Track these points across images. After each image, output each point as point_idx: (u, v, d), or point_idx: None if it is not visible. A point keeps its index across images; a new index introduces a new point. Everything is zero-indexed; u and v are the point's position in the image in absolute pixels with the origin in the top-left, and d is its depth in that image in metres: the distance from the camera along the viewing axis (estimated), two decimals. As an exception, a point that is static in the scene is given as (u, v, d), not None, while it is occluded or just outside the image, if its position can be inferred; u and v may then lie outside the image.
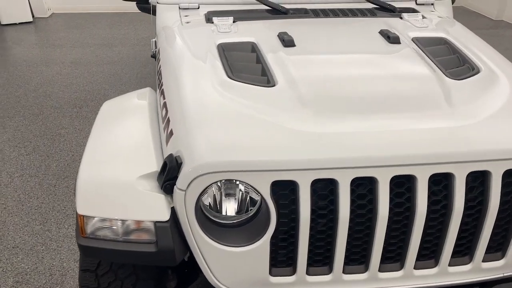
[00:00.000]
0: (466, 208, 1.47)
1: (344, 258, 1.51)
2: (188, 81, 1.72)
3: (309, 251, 1.49)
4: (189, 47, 2.00)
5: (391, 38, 1.97)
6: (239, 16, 2.27)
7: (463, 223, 1.50)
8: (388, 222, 1.44)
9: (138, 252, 1.42)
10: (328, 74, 1.72)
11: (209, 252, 1.45)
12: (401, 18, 2.31)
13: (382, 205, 1.40)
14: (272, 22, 2.22)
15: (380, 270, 1.52)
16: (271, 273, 1.50)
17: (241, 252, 1.44)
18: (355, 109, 1.52)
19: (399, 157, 1.37)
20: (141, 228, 1.42)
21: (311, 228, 1.44)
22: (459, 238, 1.52)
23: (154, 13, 2.46)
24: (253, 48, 1.93)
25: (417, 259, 1.52)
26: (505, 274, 1.59)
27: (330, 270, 1.51)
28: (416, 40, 2.02)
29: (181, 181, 1.36)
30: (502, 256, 1.57)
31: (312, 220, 1.44)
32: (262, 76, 1.72)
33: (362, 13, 2.34)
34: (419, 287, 1.55)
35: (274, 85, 1.65)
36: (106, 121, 1.78)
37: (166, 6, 2.40)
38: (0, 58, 5.71)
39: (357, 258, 1.52)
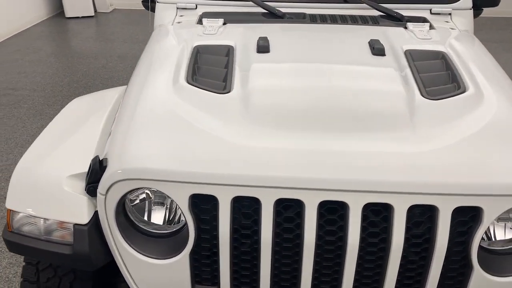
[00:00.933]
0: (411, 245, 1.30)
1: (273, 284, 1.40)
2: (144, 82, 1.68)
3: (235, 271, 1.40)
4: (164, 48, 1.96)
5: (375, 50, 1.80)
6: (232, 18, 2.19)
7: (409, 262, 1.33)
8: (319, 250, 1.32)
9: (56, 252, 1.40)
10: (287, 84, 1.60)
11: (129, 261, 1.40)
12: (406, 28, 2.12)
13: (309, 231, 1.27)
14: (261, 26, 2.12)
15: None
16: (194, 291, 1.42)
17: (160, 265, 1.38)
18: (300, 125, 1.40)
19: (327, 181, 1.24)
20: (62, 229, 1.40)
21: (235, 248, 1.35)
22: (406, 277, 1.36)
23: (153, 11, 2.46)
24: (228, 52, 1.85)
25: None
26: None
27: (256, 294, 1.40)
28: (408, 53, 1.84)
29: (101, 185, 1.32)
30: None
31: (236, 240, 1.34)
32: (222, 82, 1.64)
33: (363, 20, 2.18)
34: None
35: (227, 92, 1.56)
36: (66, 117, 1.79)
37: (164, 5, 2.38)
38: (57, 49, 6.06)
39: (288, 286, 1.40)
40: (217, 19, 2.16)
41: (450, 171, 1.25)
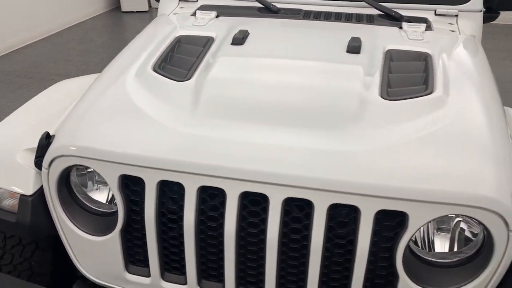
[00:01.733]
0: (335, 245, 1.26)
1: (201, 272, 1.40)
2: (113, 67, 1.74)
3: (165, 255, 1.41)
4: (149, 36, 2.02)
5: (349, 47, 1.75)
6: (226, 11, 2.21)
7: (334, 263, 1.29)
8: (242, 242, 1.31)
9: (3, 220, 1.48)
10: (244, 77, 1.58)
11: (69, 235, 1.46)
12: (401, 27, 2.03)
13: (229, 221, 1.27)
14: (250, 20, 2.12)
15: (238, 293, 1.38)
16: (128, 270, 1.46)
17: (96, 242, 1.43)
18: (246, 117, 1.38)
19: (248, 172, 1.22)
20: (12, 198, 1.49)
21: (163, 232, 1.37)
22: (332, 279, 1.31)
23: (158, 0, 2.53)
24: (207, 42, 1.87)
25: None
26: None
27: (185, 281, 1.41)
28: (389, 53, 1.76)
29: (45, 159, 1.39)
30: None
31: (163, 224, 1.36)
32: (187, 70, 1.66)
33: (358, 19, 2.11)
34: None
35: (186, 80, 1.58)
36: (47, 96, 1.89)
37: (168, -4, 2.45)
38: (107, 40, 6.37)
39: (216, 275, 1.40)
40: (210, 12, 2.18)
41: (373, 173, 1.19)
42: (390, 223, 1.21)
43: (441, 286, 1.25)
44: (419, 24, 2.04)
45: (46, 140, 1.42)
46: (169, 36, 1.94)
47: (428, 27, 2.04)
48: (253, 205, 1.27)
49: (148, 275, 1.44)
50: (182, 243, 1.36)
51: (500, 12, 2.35)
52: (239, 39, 1.82)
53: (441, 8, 2.18)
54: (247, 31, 1.91)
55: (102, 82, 1.64)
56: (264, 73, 1.60)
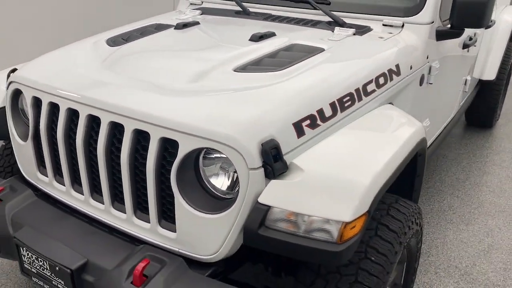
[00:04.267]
0: (140, 164, 1.64)
1: (73, 178, 1.88)
2: (97, 35, 2.37)
3: (55, 162, 1.94)
4: (141, 22, 2.61)
5: (252, 37, 2.11)
6: (211, 12, 2.72)
7: (142, 179, 1.66)
8: (86, 154, 1.76)
9: None
10: (136, 49, 2.12)
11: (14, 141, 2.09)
12: (333, 31, 2.28)
13: (78, 136, 1.74)
14: (219, 18, 2.60)
15: (93, 197, 1.83)
16: (39, 171, 2.02)
17: (19, 145, 2.02)
18: (120, 71, 1.87)
19: (91, 99, 1.70)
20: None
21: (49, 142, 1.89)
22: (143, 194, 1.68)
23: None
24: (163, 27, 2.42)
25: (117, 200, 1.76)
26: (180, 251, 1.62)
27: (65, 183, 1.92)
28: (289, 44, 2.08)
29: (6, 83, 2.06)
30: (175, 230, 1.62)
31: (53, 136, 1.89)
32: (125, 40, 2.22)
33: (305, 22, 2.41)
34: (112, 225, 1.77)
35: (114, 47, 2.14)
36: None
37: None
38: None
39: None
40: (196, 11, 2.72)
41: (169, 111, 1.55)
42: (172, 150, 1.56)
43: (204, 209, 1.53)
44: (348, 29, 2.27)
45: (12, 72, 2.09)
46: (149, 22, 2.53)
47: (360, 33, 2.24)
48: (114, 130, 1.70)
49: (47, 176, 1.98)
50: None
51: (464, 29, 2.38)
52: (180, 26, 2.33)
53: (387, 19, 2.34)
54: (198, 22, 2.40)
55: (75, 43, 2.28)
56: (160, 49, 2.09)
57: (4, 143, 2.51)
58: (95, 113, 1.69)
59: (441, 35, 2.39)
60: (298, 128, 1.56)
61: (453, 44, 2.70)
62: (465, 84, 3.36)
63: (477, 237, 2.97)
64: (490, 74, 4.02)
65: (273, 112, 1.55)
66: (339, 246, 1.38)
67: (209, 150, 1.53)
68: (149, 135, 1.57)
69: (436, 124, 2.87)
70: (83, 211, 1.85)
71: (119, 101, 1.65)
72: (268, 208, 1.43)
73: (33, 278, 1.77)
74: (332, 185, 1.43)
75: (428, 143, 2.78)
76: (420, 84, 2.35)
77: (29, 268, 1.75)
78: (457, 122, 3.66)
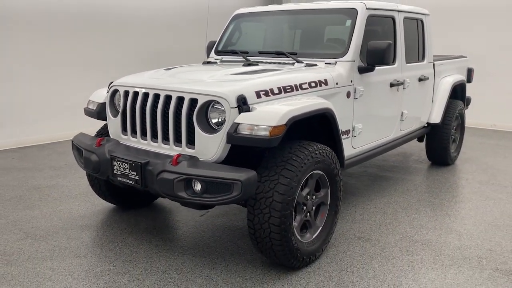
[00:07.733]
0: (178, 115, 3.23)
1: (142, 133, 3.48)
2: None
3: (132, 126, 3.56)
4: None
5: (243, 64, 3.78)
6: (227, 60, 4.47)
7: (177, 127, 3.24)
8: (151, 115, 3.36)
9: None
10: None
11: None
12: (293, 64, 3.94)
13: (148, 105, 3.36)
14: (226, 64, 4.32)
15: (152, 141, 3.40)
16: (122, 133, 3.63)
17: (111, 120, 3.66)
18: (171, 75, 3.55)
19: (155, 85, 3.34)
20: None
21: (131, 114, 3.53)
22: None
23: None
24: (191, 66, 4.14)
25: (163, 141, 3.32)
26: (195, 156, 3.13)
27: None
28: (264, 67, 3.72)
29: (108, 88, 3.76)
30: (194, 148, 3.14)
31: (132, 111, 3.53)
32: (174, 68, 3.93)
33: (279, 62, 4.09)
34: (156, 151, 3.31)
35: (166, 70, 3.84)
36: None
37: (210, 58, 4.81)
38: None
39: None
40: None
41: (194, 86, 3.17)
42: (194, 104, 3.14)
43: (208, 131, 3.07)
44: (301, 64, 3.92)
45: (111, 83, 3.79)
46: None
47: (309, 65, 3.88)
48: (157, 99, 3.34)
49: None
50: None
51: (374, 66, 3.96)
52: (205, 62, 4.06)
53: (327, 60, 3.98)
54: (215, 62, 4.14)
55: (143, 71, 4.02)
56: (192, 70, 3.79)
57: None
58: (157, 92, 3.32)
59: (362, 70, 3.98)
60: (257, 94, 3.12)
61: (378, 81, 4.26)
62: (402, 115, 4.84)
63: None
64: (435, 118, 5.52)
65: (245, 86, 3.13)
66: (270, 138, 2.87)
67: (213, 103, 3.08)
68: (184, 98, 3.17)
69: (371, 130, 4.31)
70: (145, 148, 3.41)
71: (170, 85, 3.28)
72: (238, 124, 2.95)
73: (118, 178, 3.29)
74: (269, 112, 2.95)
75: (366, 146, 4.25)
76: (348, 97, 3.89)
77: (117, 172, 3.28)
78: (402, 144, 5.07)
